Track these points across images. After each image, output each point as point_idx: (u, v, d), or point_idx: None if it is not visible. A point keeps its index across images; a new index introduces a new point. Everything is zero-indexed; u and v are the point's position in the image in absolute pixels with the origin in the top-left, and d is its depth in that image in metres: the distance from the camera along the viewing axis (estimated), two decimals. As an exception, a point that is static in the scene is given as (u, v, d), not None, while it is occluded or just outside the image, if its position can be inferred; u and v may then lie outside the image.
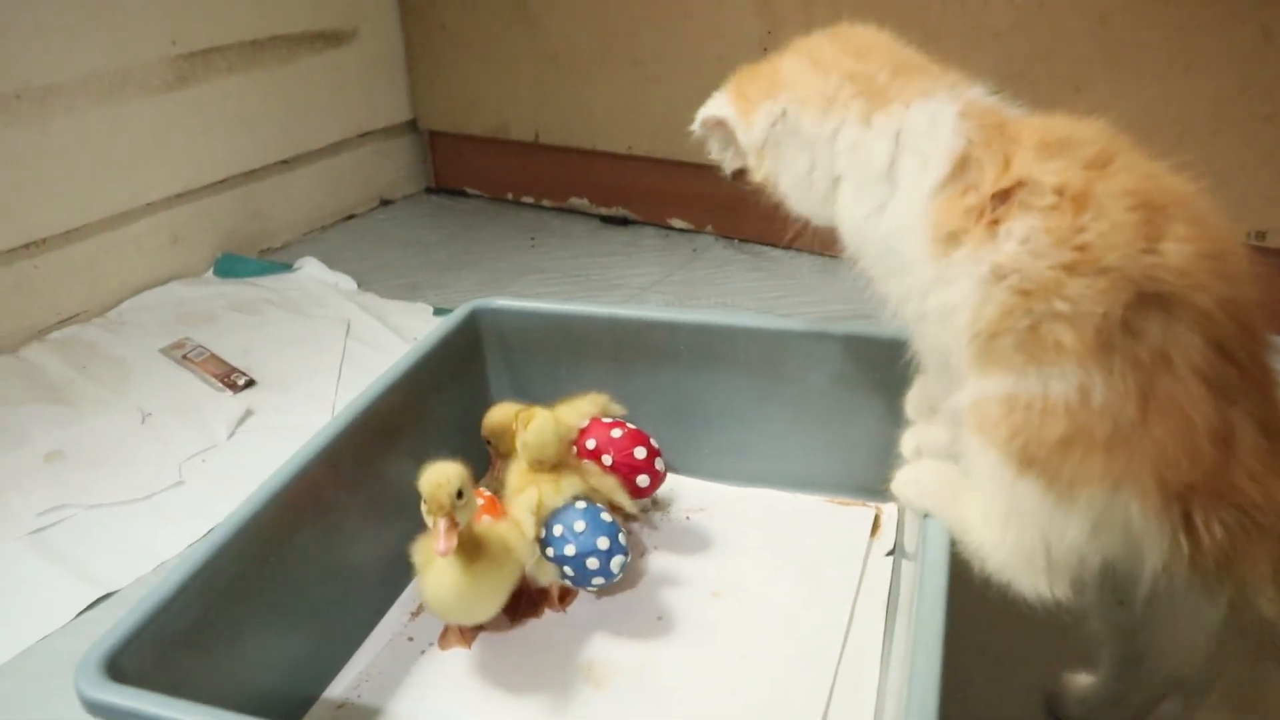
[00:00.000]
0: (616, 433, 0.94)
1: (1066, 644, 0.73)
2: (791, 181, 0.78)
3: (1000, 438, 0.61)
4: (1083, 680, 0.76)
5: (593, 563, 0.82)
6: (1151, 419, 0.58)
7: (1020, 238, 0.61)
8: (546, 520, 0.84)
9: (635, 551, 0.95)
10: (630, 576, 0.92)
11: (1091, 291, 0.58)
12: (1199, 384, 0.58)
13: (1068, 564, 0.62)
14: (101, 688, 0.59)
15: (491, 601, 0.80)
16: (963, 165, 0.65)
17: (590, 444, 0.94)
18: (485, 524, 0.81)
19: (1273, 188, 1.28)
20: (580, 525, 0.83)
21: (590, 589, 0.87)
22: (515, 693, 0.80)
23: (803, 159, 0.75)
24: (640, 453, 0.94)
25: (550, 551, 0.83)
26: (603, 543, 0.82)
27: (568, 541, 0.83)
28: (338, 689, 0.81)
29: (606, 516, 0.85)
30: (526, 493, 0.85)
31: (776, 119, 0.75)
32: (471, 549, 0.77)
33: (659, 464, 0.95)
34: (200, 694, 0.60)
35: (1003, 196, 0.63)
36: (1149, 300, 0.58)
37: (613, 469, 0.93)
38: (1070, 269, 0.59)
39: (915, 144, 0.68)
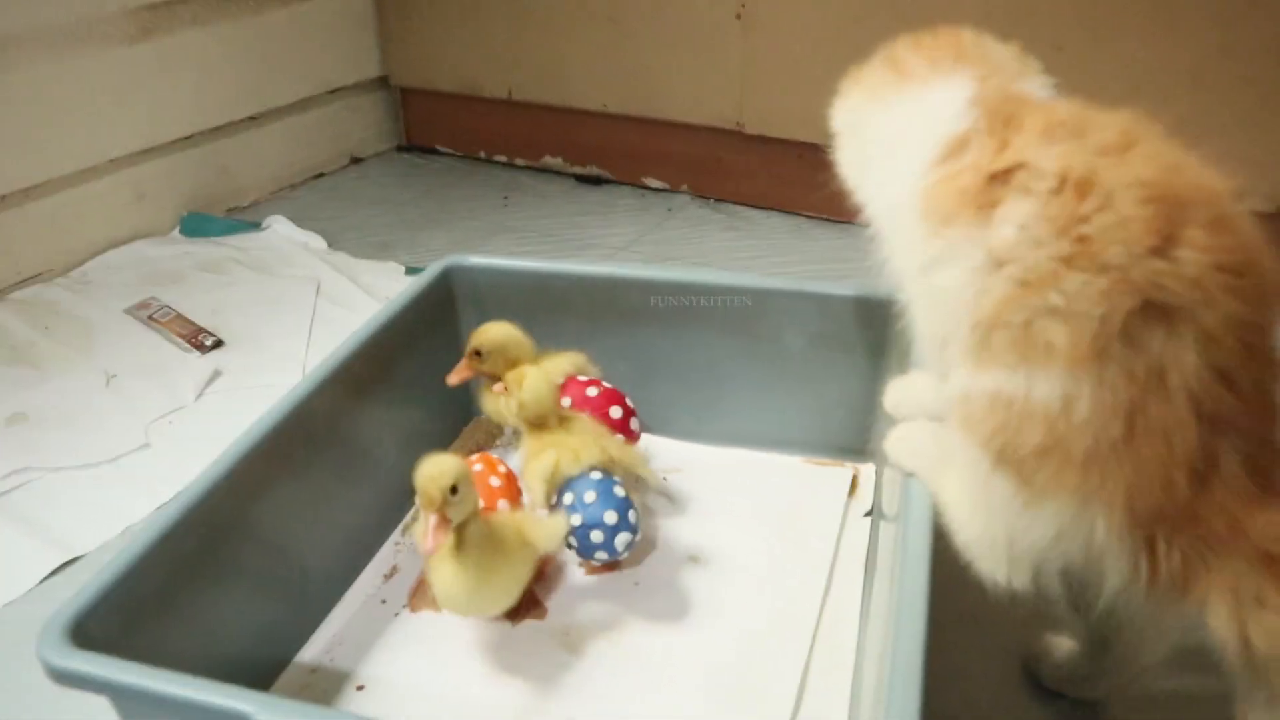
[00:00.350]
0: (592, 391, 0.93)
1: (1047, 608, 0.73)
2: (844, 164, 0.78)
3: (981, 435, 0.59)
4: (1061, 646, 0.76)
5: (597, 536, 0.81)
6: (1134, 441, 0.55)
7: (1018, 224, 0.58)
8: (560, 487, 0.83)
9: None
10: (607, 538, 0.91)
11: (1090, 290, 0.55)
12: (1190, 410, 0.54)
13: (1028, 561, 0.61)
14: (66, 655, 0.58)
15: (504, 597, 0.77)
16: (960, 146, 0.63)
17: (566, 402, 0.92)
18: (500, 516, 0.78)
19: (1252, 150, 1.27)
20: (590, 496, 0.81)
21: (593, 562, 0.85)
22: (489, 656, 0.79)
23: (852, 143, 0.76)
24: (616, 412, 0.93)
25: (570, 529, 0.82)
26: (610, 517, 0.80)
27: (575, 511, 0.81)
28: (310, 652, 0.80)
29: (620, 491, 0.82)
30: (542, 458, 0.83)
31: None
32: (479, 543, 0.74)
33: (634, 424, 0.94)
34: (170, 659, 0.59)
35: (1001, 178, 0.59)
36: (1153, 310, 0.54)
37: None
38: (1068, 261, 0.55)
39: (919, 123, 0.66)
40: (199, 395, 1.17)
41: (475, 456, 0.88)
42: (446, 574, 0.73)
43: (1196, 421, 0.54)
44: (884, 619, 0.63)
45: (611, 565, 0.87)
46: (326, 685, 0.77)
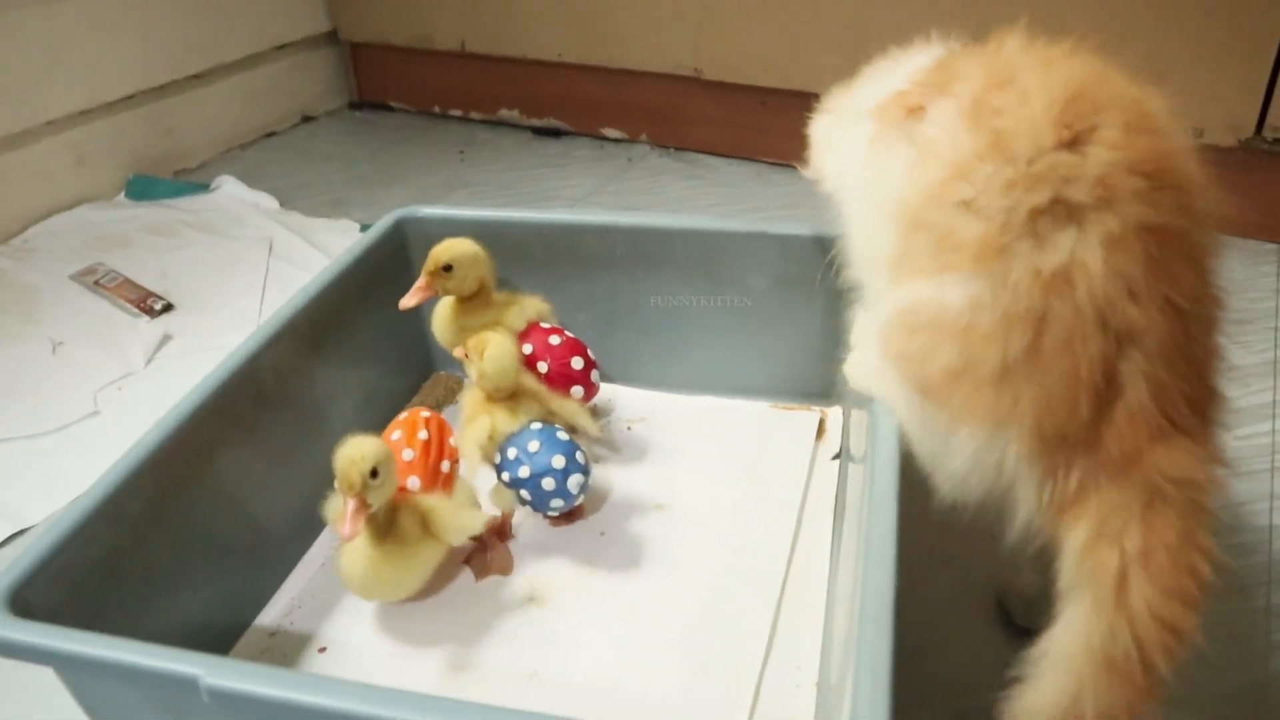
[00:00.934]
0: (555, 340, 0.91)
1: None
2: None
3: (901, 360, 0.60)
4: (1027, 581, 0.75)
5: (549, 483, 0.78)
6: (1040, 356, 0.54)
7: (941, 122, 0.58)
8: (501, 445, 0.80)
9: (576, 464, 0.92)
10: (572, 490, 0.89)
11: (997, 180, 0.54)
12: (1095, 324, 0.53)
13: (951, 486, 0.61)
14: (6, 624, 0.55)
15: (406, 586, 0.74)
16: (916, 77, 0.65)
17: (527, 349, 0.90)
18: (409, 503, 0.74)
19: (1213, 84, 1.26)
20: (535, 445, 0.79)
21: (550, 514, 0.84)
22: (454, 612, 0.77)
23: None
24: (577, 363, 0.91)
25: (505, 476, 0.80)
26: (558, 461, 0.78)
27: (522, 463, 0.79)
28: (270, 616, 0.78)
29: (563, 435, 0.80)
30: (478, 423, 0.80)
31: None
32: (388, 529, 0.71)
33: (595, 376, 0.92)
34: (121, 627, 0.57)
35: (939, 87, 0.61)
36: (1062, 209, 0.53)
37: (547, 378, 0.89)
38: (981, 155, 0.55)
39: (884, 81, 0.70)
40: (149, 360, 1.13)
41: (402, 416, 0.82)
42: (356, 556, 0.71)
43: (1101, 336, 0.53)
44: (853, 559, 0.62)
45: (572, 514, 0.85)
46: (287, 648, 0.75)
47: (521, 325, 0.91)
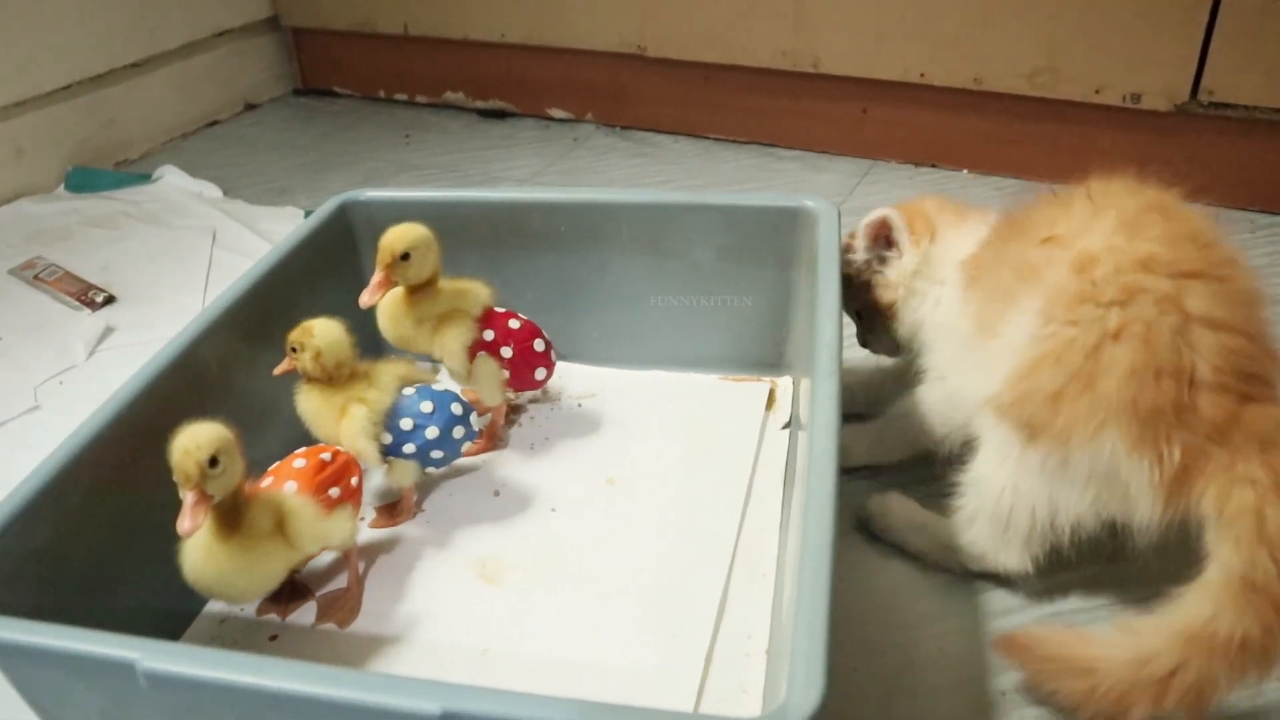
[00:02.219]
0: (514, 324, 0.90)
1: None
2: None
3: (1010, 408, 0.68)
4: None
5: (459, 431, 0.80)
6: (1114, 345, 0.63)
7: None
8: (386, 424, 0.79)
9: (524, 444, 0.92)
10: (522, 469, 0.89)
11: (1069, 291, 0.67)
12: (1146, 275, 0.64)
13: (1065, 527, 0.69)
14: (-63, 617, 0.54)
15: (255, 588, 0.69)
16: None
17: (488, 335, 0.89)
18: (264, 499, 0.69)
19: (1148, 49, 1.28)
20: (428, 406, 0.79)
21: (459, 455, 0.83)
22: (405, 593, 0.77)
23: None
24: (539, 345, 0.90)
25: (409, 448, 0.79)
26: (456, 408, 0.80)
27: (424, 426, 0.79)
28: (219, 604, 0.77)
29: (437, 386, 0.82)
30: (351, 414, 0.78)
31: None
32: (234, 520, 0.66)
33: (553, 355, 0.92)
34: (65, 616, 0.56)
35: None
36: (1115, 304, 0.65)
37: (511, 363, 0.89)
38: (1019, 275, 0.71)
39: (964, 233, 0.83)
40: (91, 353, 1.12)
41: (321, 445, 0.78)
42: (196, 546, 0.66)
43: (1158, 313, 0.62)
44: (798, 523, 0.63)
45: (488, 438, 0.91)
46: (236, 635, 0.74)
47: (478, 311, 0.89)
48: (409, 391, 0.80)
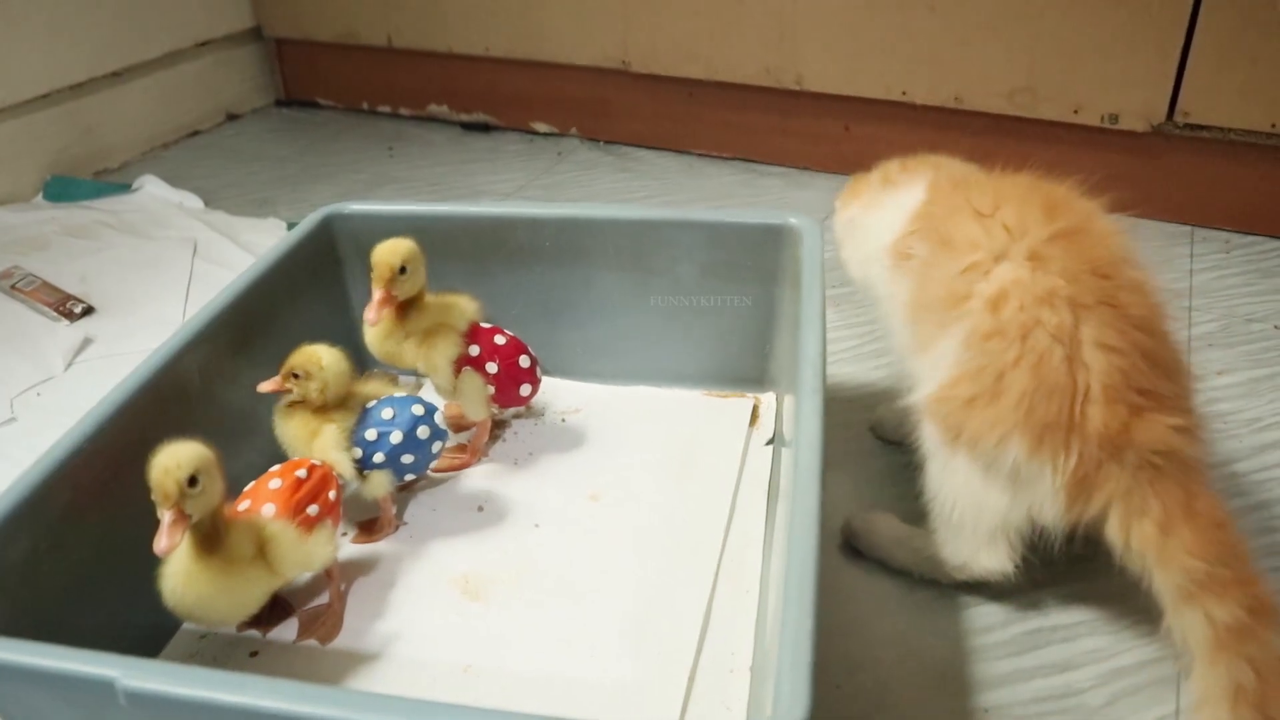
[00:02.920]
0: (500, 339, 0.90)
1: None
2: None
3: (935, 413, 0.73)
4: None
5: (423, 431, 0.80)
6: (1011, 361, 0.68)
7: (920, 254, 0.79)
8: (354, 439, 0.79)
9: (508, 459, 0.92)
10: (505, 484, 0.89)
11: (952, 267, 0.74)
12: (1037, 311, 0.69)
13: (1001, 531, 0.73)
14: (-89, 633, 0.53)
15: (231, 607, 0.68)
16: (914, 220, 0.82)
17: (474, 350, 0.88)
18: (254, 521, 0.69)
19: (1125, 70, 1.29)
20: (388, 412, 0.80)
21: (433, 458, 0.83)
22: (387, 609, 0.76)
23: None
24: (524, 361, 0.90)
25: (379, 457, 0.79)
26: (417, 409, 0.80)
27: (389, 432, 0.79)
28: (198, 620, 0.76)
29: (398, 392, 0.83)
30: (323, 434, 0.79)
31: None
32: (214, 542, 0.66)
33: (539, 372, 0.92)
34: (42, 631, 0.55)
35: (919, 237, 0.80)
36: (989, 258, 0.72)
37: (496, 379, 0.89)
38: (940, 247, 0.76)
39: (894, 212, 0.85)
40: (69, 365, 1.11)
41: (295, 459, 0.77)
42: (178, 573, 0.65)
43: (1051, 318, 0.68)
44: (783, 540, 0.63)
45: (472, 453, 0.92)
46: (216, 652, 0.74)
47: (464, 326, 0.88)
48: (371, 404, 0.81)
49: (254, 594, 0.68)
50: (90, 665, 0.49)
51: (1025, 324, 0.69)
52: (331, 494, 0.75)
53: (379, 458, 0.79)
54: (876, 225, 0.86)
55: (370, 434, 0.79)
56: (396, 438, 0.79)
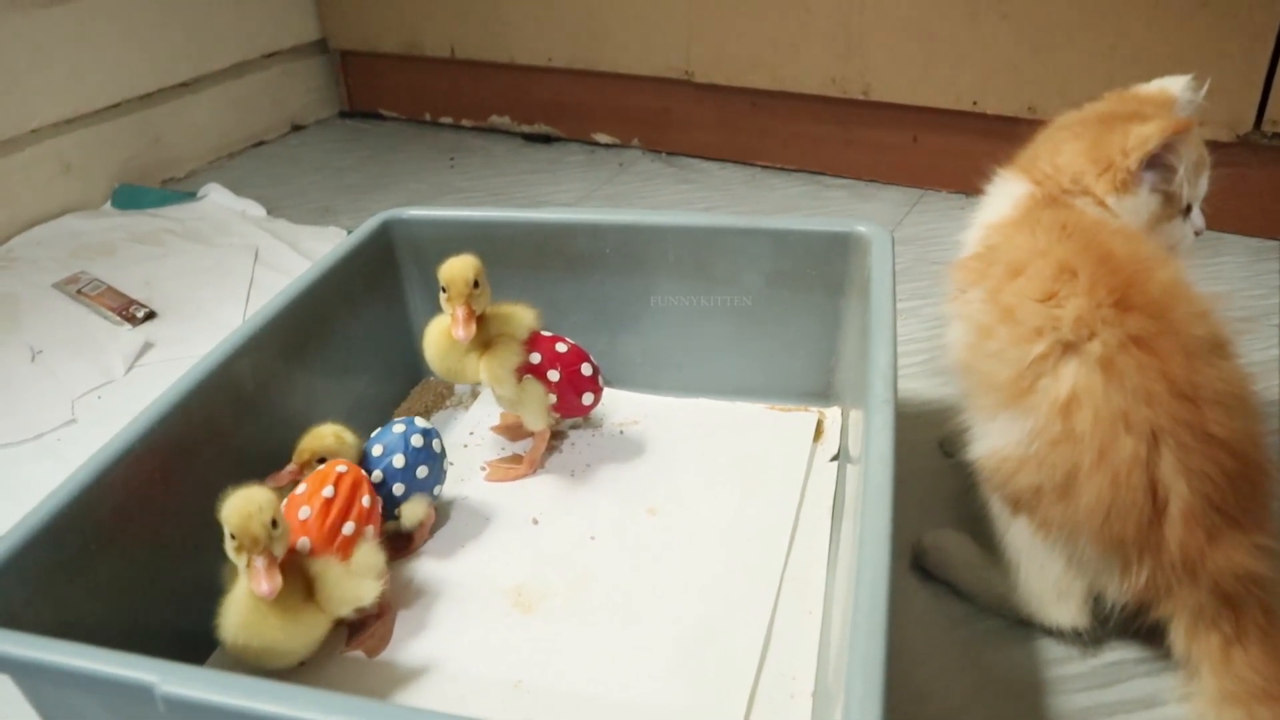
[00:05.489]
0: (561, 347, 0.88)
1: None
2: None
3: (995, 485, 0.71)
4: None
5: (417, 440, 0.80)
6: (1085, 470, 0.65)
7: (974, 301, 0.73)
8: (368, 467, 0.79)
9: (564, 471, 0.90)
10: (562, 496, 0.87)
11: (1010, 336, 0.68)
12: (1114, 430, 0.64)
13: (1069, 592, 0.71)
14: (-45, 629, 0.52)
15: (291, 650, 0.67)
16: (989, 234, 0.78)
17: (535, 358, 0.86)
18: (301, 562, 0.68)
19: (1212, 79, 1.24)
20: (378, 450, 0.80)
21: (442, 456, 0.83)
22: (437, 621, 0.74)
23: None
24: (587, 369, 0.88)
25: (399, 488, 0.79)
26: (397, 429, 0.80)
27: (388, 461, 0.79)
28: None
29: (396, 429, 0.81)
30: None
31: None
32: (300, 584, 0.66)
33: (600, 380, 0.90)
34: (90, 633, 0.54)
35: (979, 274, 0.74)
36: (1058, 347, 0.66)
37: (558, 386, 0.87)
38: (1000, 319, 0.70)
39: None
40: (129, 368, 1.11)
41: (320, 468, 0.75)
42: (240, 623, 0.64)
43: (1128, 440, 0.64)
44: (849, 562, 0.60)
45: (530, 464, 0.90)
46: (264, 659, 0.72)
47: (524, 335, 0.86)
48: (377, 449, 0.80)
49: (314, 635, 0.68)
50: (129, 669, 0.48)
51: (1101, 441, 0.64)
52: (365, 499, 0.74)
53: (399, 489, 0.79)
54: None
55: (377, 475, 0.78)
56: (399, 461, 0.79)
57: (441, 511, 0.85)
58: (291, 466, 0.77)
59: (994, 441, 0.70)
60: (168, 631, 0.69)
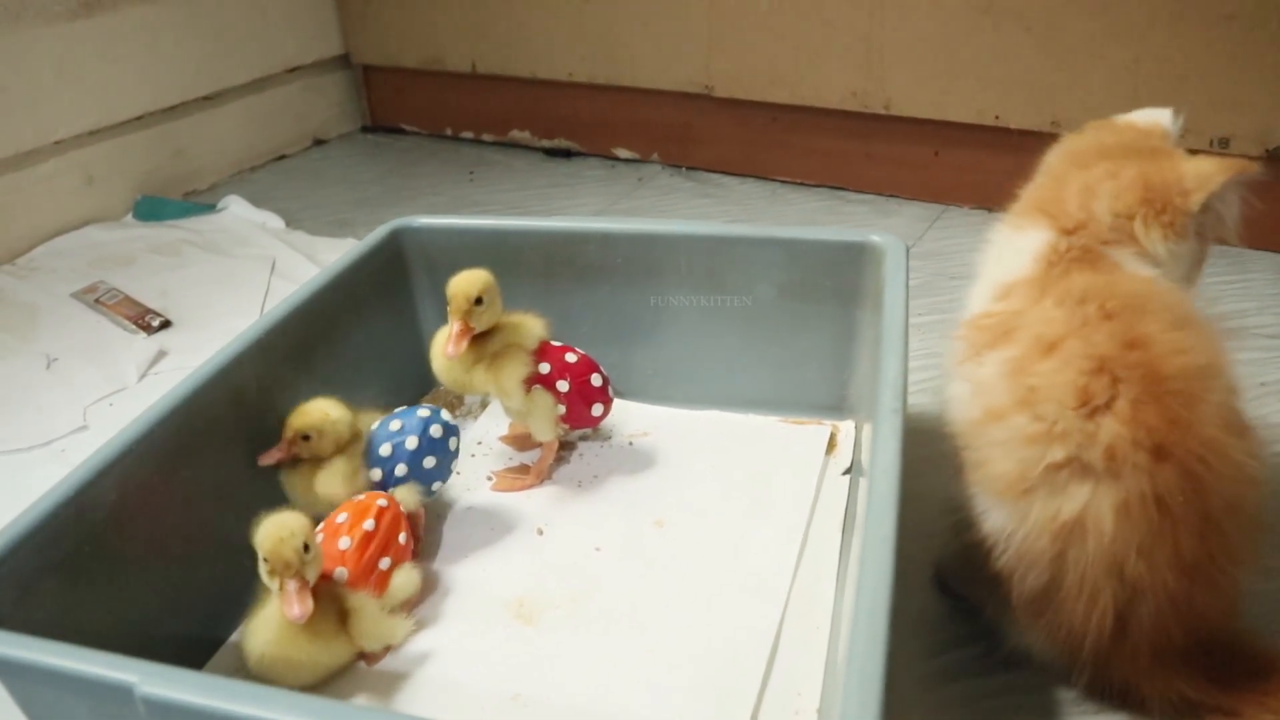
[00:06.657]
0: (571, 357, 0.86)
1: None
2: None
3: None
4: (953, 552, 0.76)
5: (436, 430, 0.79)
6: (1058, 593, 0.61)
7: (995, 365, 0.65)
8: (370, 461, 0.78)
9: (572, 482, 0.89)
10: (568, 507, 0.86)
11: (1024, 431, 0.61)
12: (1106, 573, 0.60)
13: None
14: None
15: (310, 672, 0.67)
16: (1005, 294, 0.70)
17: (544, 369, 0.85)
18: (337, 592, 0.68)
19: (1238, 92, 1.22)
20: (396, 424, 0.79)
21: (454, 468, 0.82)
22: (436, 629, 0.73)
23: None
24: (596, 380, 0.87)
25: (401, 469, 0.78)
26: (423, 412, 0.80)
27: (402, 440, 0.78)
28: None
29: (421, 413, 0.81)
30: (329, 466, 0.78)
31: None
32: (333, 612, 0.67)
33: (611, 391, 0.89)
34: (81, 634, 0.53)
35: (1001, 335, 0.67)
36: (1078, 465, 0.60)
37: (567, 397, 0.85)
38: (1017, 404, 0.62)
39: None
40: (142, 376, 1.11)
41: (360, 498, 0.75)
42: (267, 640, 0.65)
43: (1111, 586, 0.60)
44: (856, 574, 0.58)
45: (537, 474, 0.89)
46: (261, 667, 0.71)
47: (533, 345, 0.85)
48: (375, 425, 0.80)
49: (337, 662, 0.68)
50: (109, 669, 0.47)
51: (1093, 582, 0.61)
52: (402, 537, 0.74)
53: (401, 470, 0.78)
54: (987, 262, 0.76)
55: (385, 449, 0.78)
56: (412, 443, 0.78)
57: (447, 520, 0.84)
58: (280, 447, 0.78)
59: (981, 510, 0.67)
60: (167, 635, 0.69)
